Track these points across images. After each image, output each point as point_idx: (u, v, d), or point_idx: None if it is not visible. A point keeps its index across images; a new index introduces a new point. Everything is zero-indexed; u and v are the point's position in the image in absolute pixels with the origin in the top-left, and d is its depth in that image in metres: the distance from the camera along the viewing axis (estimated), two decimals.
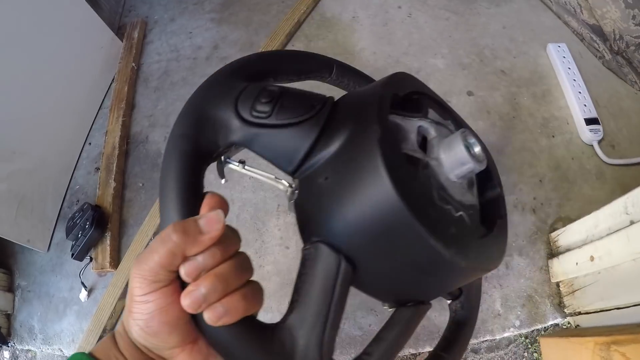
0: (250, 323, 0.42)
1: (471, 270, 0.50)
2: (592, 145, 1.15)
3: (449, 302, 0.73)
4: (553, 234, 1.02)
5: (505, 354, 0.98)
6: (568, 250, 0.96)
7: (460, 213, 0.51)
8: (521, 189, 1.08)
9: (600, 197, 1.09)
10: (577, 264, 0.91)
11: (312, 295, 0.46)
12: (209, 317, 0.33)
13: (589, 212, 0.94)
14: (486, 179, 0.63)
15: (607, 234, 0.84)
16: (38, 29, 1.04)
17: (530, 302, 0.98)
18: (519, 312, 0.97)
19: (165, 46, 1.30)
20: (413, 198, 0.43)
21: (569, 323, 1.00)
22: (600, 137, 1.14)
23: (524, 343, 0.98)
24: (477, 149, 0.49)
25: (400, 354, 0.84)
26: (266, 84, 0.53)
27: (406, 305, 0.54)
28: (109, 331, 1.01)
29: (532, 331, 1.00)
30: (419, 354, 0.95)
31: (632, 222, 0.79)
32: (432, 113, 0.58)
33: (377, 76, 0.96)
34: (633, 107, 1.24)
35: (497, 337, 0.96)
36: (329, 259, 0.46)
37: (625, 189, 0.96)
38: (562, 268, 0.96)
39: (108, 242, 1.05)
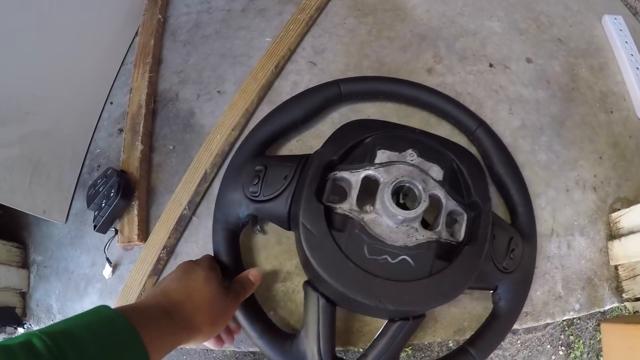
0: (280, 334, 0.71)
1: (411, 305, 0.62)
2: None
3: (491, 292, 0.78)
4: (614, 215, 0.96)
5: (542, 336, 0.98)
6: (631, 233, 0.91)
7: (402, 257, 0.63)
8: (582, 165, 1.00)
9: None
10: None
11: (308, 318, 0.67)
12: None
13: None
14: (466, 191, 0.73)
15: None
16: None
17: (589, 285, 0.92)
18: (579, 295, 0.90)
19: None
20: (333, 263, 0.61)
21: (626, 308, 1.00)
22: None
23: (561, 325, 0.99)
24: (416, 192, 0.64)
25: (423, 340, 0.85)
26: (256, 162, 0.77)
27: (394, 320, 0.67)
28: None
29: (595, 317, 0.99)
30: (446, 344, 0.91)
31: None
32: (381, 154, 0.70)
33: (433, 36, 0.99)
34: None
35: (558, 319, 0.89)
36: (312, 296, 0.67)
37: None
38: (624, 251, 0.91)
39: (135, 212, 0.88)
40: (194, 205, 0.90)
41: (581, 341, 0.96)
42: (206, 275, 0.64)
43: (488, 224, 0.68)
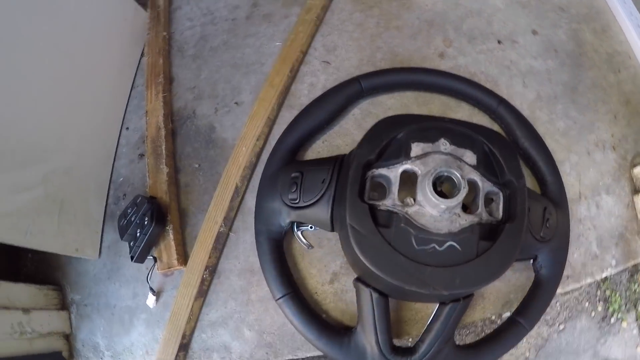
0: (337, 333, 0.72)
1: (465, 287, 0.63)
2: None
3: (531, 262, 0.80)
4: (635, 170, 0.98)
5: (579, 295, 0.95)
6: None
7: (449, 243, 0.64)
8: (599, 127, 1.00)
9: None
10: None
11: (363, 314, 0.70)
12: None
13: None
14: (500, 171, 0.73)
15: None
16: (56, 9, 0.83)
17: (622, 240, 0.94)
18: (614, 252, 0.93)
19: (196, 10, 1.09)
20: (385, 259, 0.62)
21: None
22: None
23: (596, 282, 0.96)
24: (455, 180, 0.65)
25: (474, 318, 0.86)
26: (290, 170, 0.78)
27: (445, 303, 0.70)
28: (188, 336, 0.82)
29: (630, 270, 0.96)
30: (499, 317, 0.88)
31: None
32: (415, 147, 0.69)
33: (439, 20, 1.05)
34: None
35: (597, 278, 0.92)
36: (364, 291, 0.69)
37: None
38: None
39: (171, 236, 0.85)
40: (229, 221, 0.87)
41: (617, 294, 0.96)
42: None
43: (524, 200, 0.69)
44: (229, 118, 0.96)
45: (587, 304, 0.95)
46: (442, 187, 0.71)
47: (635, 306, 0.98)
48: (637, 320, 0.97)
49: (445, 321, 0.69)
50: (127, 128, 1.00)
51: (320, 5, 1.02)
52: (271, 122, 0.92)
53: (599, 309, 0.95)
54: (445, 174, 0.65)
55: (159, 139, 0.92)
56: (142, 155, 0.96)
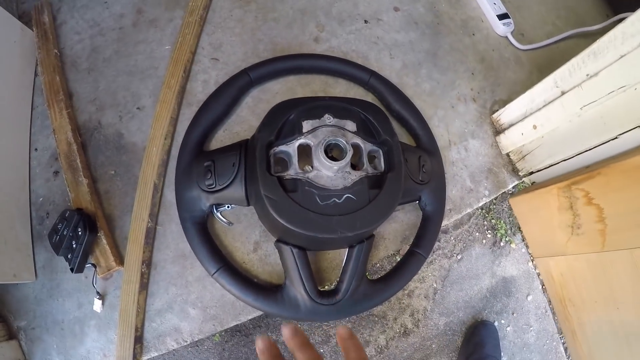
0: (269, 292, 0.82)
1: (364, 227, 0.75)
2: (506, 37, 1.26)
3: (417, 203, 0.94)
4: (494, 115, 1.14)
5: (469, 227, 1.10)
6: (511, 125, 1.09)
7: (346, 195, 0.76)
8: (459, 84, 1.16)
9: (521, 78, 1.22)
10: (522, 134, 1.05)
11: (288, 268, 0.81)
12: None
13: (515, 92, 1.12)
14: (376, 133, 0.85)
15: (544, 105, 0.98)
16: None
17: (491, 174, 1.10)
18: (486, 184, 1.08)
19: (82, 23, 1.06)
20: (298, 217, 0.73)
21: (524, 182, 1.15)
22: (512, 29, 1.25)
23: (481, 214, 1.10)
24: (341, 146, 0.77)
25: (379, 256, 0.98)
26: (202, 160, 0.85)
27: (353, 246, 0.83)
28: (140, 329, 0.87)
29: (496, 197, 1.12)
30: (398, 252, 1.01)
31: (562, 93, 0.93)
32: (306, 124, 0.80)
33: (311, 7, 1.12)
34: None
35: (475, 207, 1.06)
36: (286, 249, 0.81)
37: (539, 69, 1.25)
38: (510, 140, 1.09)
39: (104, 241, 0.88)
40: (154, 216, 0.91)
41: (502, 220, 1.11)
42: None
43: (400, 153, 0.83)
44: (134, 123, 0.98)
45: (477, 234, 1.09)
46: (333, 152, 0.81)
47: (519, 229, 1.14)
48: (522, 240, 1.14)
49: (356, 260, 0.82)
50: (36, 149, 0.98)
51: (202, 5, 1.05)
52: (174, 121, 0.97)
53: (489, 236, 1.10)
54: (333, 142, 0.77)
55: (72, 154, 0.93)
56: (56, 173, 0.95)
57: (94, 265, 0.87)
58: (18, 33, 0.99)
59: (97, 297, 0.88)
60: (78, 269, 0.85)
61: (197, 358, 0.93)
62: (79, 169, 0.92)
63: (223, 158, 0.83)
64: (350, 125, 0.83)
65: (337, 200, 0.76)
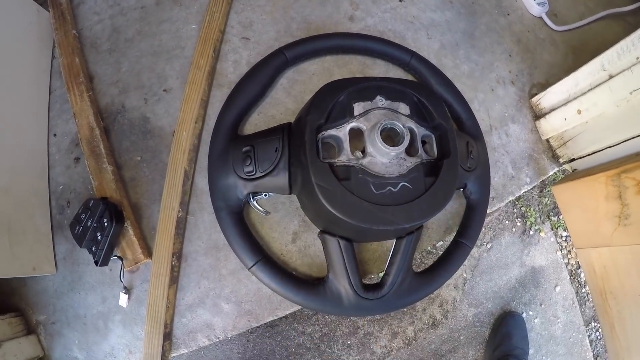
0: (311, 285, 0.72)
1: (421, 218, 0.66)
2: (541, 17, 1.15)
3: (461, 190, 0.84)
4: (534, 99, 1.03)
5: (499, 215, 1.03)
6: (552, 109, 0.99)
7: (402, 183, 0.67)
8: (497, 66, 1.05)
9: (557, 60, 1.12)
10: (565, 119, 0.95)
11: (333, 261, 0.71)
12: None
13: (553, 75, 1.06)
14: (429, 117, 0.75)
15: (589, 90, 0.89)
16: None
17: (532, 160, 1.00)
18: (527, 171, 0.98)
19: (100, 3, 0.94)
20: (352, 207, 0.63)
21: (564, 170, 1.07)
22: (547, 9, 1.14)
23: (511, 201, 1.04)
24: (398, 130, 0.67)
25: (423, 246, 0.91)
26: (239, 144, 0.75)
27: (401, 237, 0.73)
28: (170, 325, 0.77)
29: (538, 184, 1.04)
30: (435, 249, 0.96)
31: (610, 76, 0.85)
32: (357, 106, 0.70)
33: None
34: None
35: (516, 194, 0.96)
36: (331, 241, 0.71)
37: (574, 51, 1.15)
38: (551, 125, 0.99)
39: (131, 232, 0.77)
40: (185, 206, 0.80)
41: (531, 208, 1.04)
42: None
43: (454, 138, 0.73)
44: (160, 106, 0.87)
45: (507, 222, 1.02)
46: (382, 136, 0.71)
47: (548, 217, 1.06)
48: (552, 229, 1.06)
49: (405, 253, 0.72)
50: (55, 135, 0.87)
51: None
52: (205, 104, 0.85)
53: (518, 224, 1.03)
54: (389, 125, 0.67)
55: (95, 139, 0.81)
56: (77, 159, 0.84)
57: (120, 258, 0.77)
58: (34, 14, 0.87)
59: (124, 291, 0.77)
60: (103, 262, 0.74)
61: (220, 349, 0.85)
62: (102, 155, 0.80)
63: (264, 143, 0.72)
64: (404, 108, 0.72)
65: (392, 189, 0.66)
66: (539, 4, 1.12)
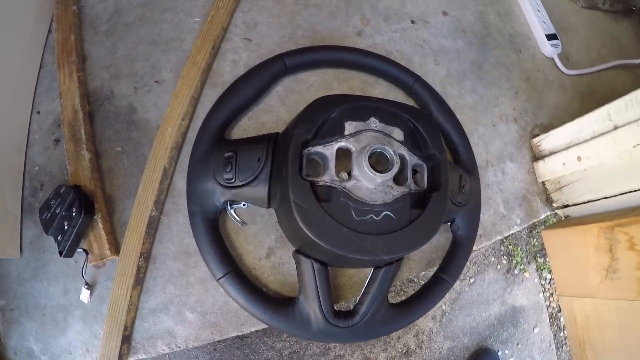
0: (280, 305, 0.68)
1: (401, 251, 0.63)
2: (552, 59, 1.13)
3: (449, 224, 0.81)
4: (535, 140, 1.01)
5: (485, 251, 1.01)
6: (552, 153, 0.96)
7: (385, 212, 0.62)
8: (502, 101, 1.02)
9: (564, 104, 1.09)
10: (564, 164, 0.93)
11: (305, 283, 0.67)
12: None
13: (557, 118, 1.05)
14: (424, 145, 0.71)
15: (592, 137, 0.87)
16: None
17: (525, 202, 0.97)
18: (519, 211, 0.95)
19: None
20: (329, 231, 0.59)
21: (556, 215, 1.04)
22: (559, 51, 1.12)
23: (499, 239, 1.00)
24: (388, 156, 0.63)
25: (402, 278, 0.86)
26: (223, 149, 0.70)
27: (378, 267, 0.69)
28: (130, 327, 0.73)
29: (529, 226, 1.02)
30: (417, 278, 0.93)
31: (615, 127, 0.82)
32: (348, 125, 0.66)
33: None
34: (578, 22, 1.25)
35: (505, 234, 0.93)
36: (305, 262, 0.66)
37: (582, 96, 1.12)
38: (549, 169, 0.97)
39: (100, 225, 0.73)
40: (160, 205, 0.76)
41: (519, 248, 1.02)
42: None
43: (447, 171, 0.69)
44: (150, 98, 0.82)
45: (492, 258, 1.00)
46: (371, 161, 0.68)
47: (535, 258, 1.04)
48: (537, 270, 1.03)
49: (381, 284, 0.68)
50: (39, 112, 0.82)
51: None
52: (195, 101, 0.81)
53: (504, 262, 1.00)
54: (379, 150, 0.63)
55: (77, 123, 0.77)
56: (57, 141, 0.80)
57: (86, 251, 0.73)
58: None
59: (85, 286, 0.73)
60: (67, 253, 0.70)
61: (186, 355, 0.81)
62: (82, 141, 0.76)
63: (248, 150, 0.68)
64: (398, 134, 0.68)
65: (374, 217, 0.62)
66: (552, 44, 1.10)
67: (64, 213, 0.69)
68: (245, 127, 0.82)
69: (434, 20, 1.02)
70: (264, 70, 0.80)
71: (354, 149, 0.65)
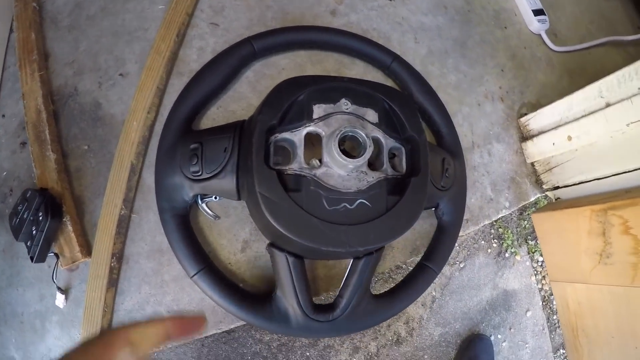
0: (257, 301, 0.65)
1: (378, 242, 0.59)
2: (539, 35, 1.10)
3: (433, 210, 0.77)
4: (522, 119, 0.97)
5: (475, 234, 0.96)
6: (541, 132, 0.93)
7: (359, 200, 0.59)
8: (487, 79, 0.98)
9: (551, 81, 1.06)
10: (553, 144, 0.90)
11: (281, 278, 0.63)
12: None
13: (545, 96, 1.00)
14: (401, 127, 0.67)
15: (583, 116, 0.83)
16: None
17: (513, 184, 0.94)
18: (507, 194, 0.93)
19: None
20: (299, 223, 0.56)
21: (546, 197, 1.01)
22: (547, 27, 1.09)
23: (488, 223, 0.97)
24: (360, 139, 0.59)
25: (385, 267, 0.83)
26: (188, 141, 0.66)
27: (359, 257, 0.65)
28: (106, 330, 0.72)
29: (519, 209, 0.97)
30: (405, 264, 0.88)
31: (607, 104, 0.79)
32: (317, 109, 0.62)
33: None
34: None
35: (493, 218, 0.91)
36: (279, 256, 0.63)
37: (570, 73, 1.08)
38: (538, 149, 0.94)
39: (70, 228, 0.70)
40: (129, 203, 0.73)
41: (509, 231, 0.98)
42: None
43: (427, 154, 0.65)
44: (115, 92, 0.79)
45: (483, 242, 0.96)
46: (345, 145, 0.64)
47: (526, 240, 0.99)
48: (528, 253, 0.99)
49: (361, 275, 0.65)
50: (3, 115, 0.79)
51: None
52: (161, 92, 0.77)
53: (494, 245, 0.96)
54: (350, 133, 0.59)
55: (41, 123, 0.74)
56: (24, 144, 0.77)
57: (57, 255, 0.71)
58: None
59: (59, 291, 0.71)
60: (39, 258, 0.68)
61: (174, 352, 0.78)
62: (47, 141, 0.73)
63: (213, 141, 0.64)
64: (372, 115, 0.64)
65: (348, 205, 0.58)
66: (539, 20, 1.06)
67: (31, 218, 0.67)
68: (215, 117, 0.78)
69: None
70: (231, 56, 0.76)
71: (323, 133, 0.61)
